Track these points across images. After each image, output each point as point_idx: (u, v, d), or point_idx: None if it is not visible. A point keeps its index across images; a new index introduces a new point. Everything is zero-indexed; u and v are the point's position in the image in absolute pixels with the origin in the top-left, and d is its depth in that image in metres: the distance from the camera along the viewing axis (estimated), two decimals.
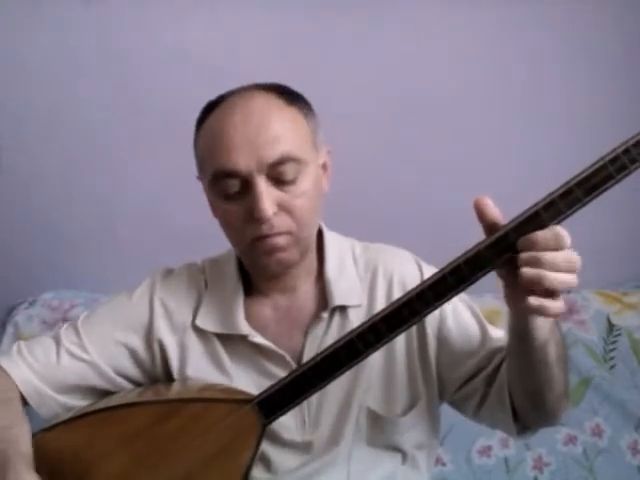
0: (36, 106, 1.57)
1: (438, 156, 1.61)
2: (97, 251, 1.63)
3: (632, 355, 1.45)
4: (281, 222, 0.85)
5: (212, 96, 0.92)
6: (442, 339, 0.94)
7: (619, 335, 1.46)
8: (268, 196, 0.83)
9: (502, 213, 0.73)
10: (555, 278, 0.68)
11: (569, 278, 0.69)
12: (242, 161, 0.83)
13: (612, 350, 1.45)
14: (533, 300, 0.69)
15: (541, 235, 0.69)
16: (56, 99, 1.56)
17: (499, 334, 0.94)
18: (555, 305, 0.69)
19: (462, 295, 0.80)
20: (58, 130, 1.58)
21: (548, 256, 0.68)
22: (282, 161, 0.84)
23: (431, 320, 0.93)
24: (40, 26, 1.54)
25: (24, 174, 1.58)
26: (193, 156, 0.94)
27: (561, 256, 0.68)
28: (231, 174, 0.84)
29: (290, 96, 0.89)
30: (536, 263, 0.68)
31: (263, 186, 0.83)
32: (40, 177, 1.59)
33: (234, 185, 0.84)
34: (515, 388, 0.87)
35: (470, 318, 0.96)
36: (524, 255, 0.69)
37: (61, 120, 1.57)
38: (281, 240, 0.85)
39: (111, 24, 1.55)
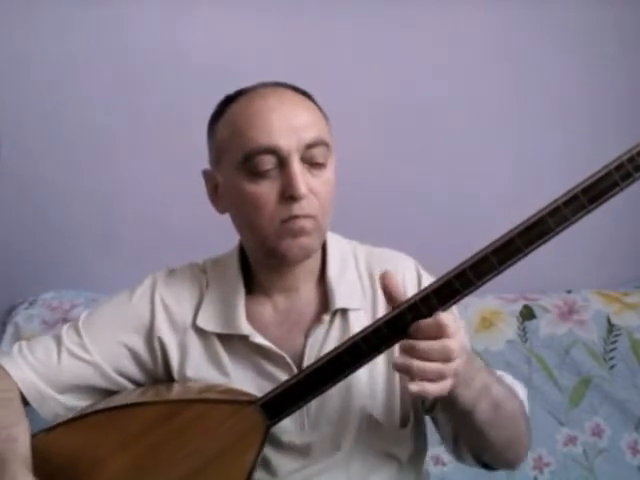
0: (36, 106, 1.56)
1: (437, 156, 1.61)
2: (97, 251, 1.63)
3: (632, 355, 1.45)
4: (310, 204, 0.86)
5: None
6: None
7: (619, 335, 1.46)
8: (302, 175, 0.85)
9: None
10: (423, 368, 0.71)
11: (439, 368, 0.72)
12: (283, 138, 0.84)
13: (612, 350, 1.45)
14: (412, 386, 0.72)
15: (423, 324, 0.73)
16: (56, 99, 1.56)
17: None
18: (434, 388, 0.72)
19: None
20: (58, 130, 1.57)
21: (423, 345, 0.72)
22: (317, 143, 0.86)
23: None
24: (40, 26, 1.54)
25: (24, 174, 1.58)
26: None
27: (437, 345, 0.72)
28: (269, 150, 0.85)
29: (311, 97, 0.93)
30: (410, 351, 0.72)
31: (298, 166, 0.85)
32: (40, 177, 1.59)
33: (269, 162, 0.85)
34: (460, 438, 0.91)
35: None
36: (402, 343, 0.74)
37: (61, 120, 1.57)
38: (308, 223, 0.86)
39: (111, 24, 1.55)
